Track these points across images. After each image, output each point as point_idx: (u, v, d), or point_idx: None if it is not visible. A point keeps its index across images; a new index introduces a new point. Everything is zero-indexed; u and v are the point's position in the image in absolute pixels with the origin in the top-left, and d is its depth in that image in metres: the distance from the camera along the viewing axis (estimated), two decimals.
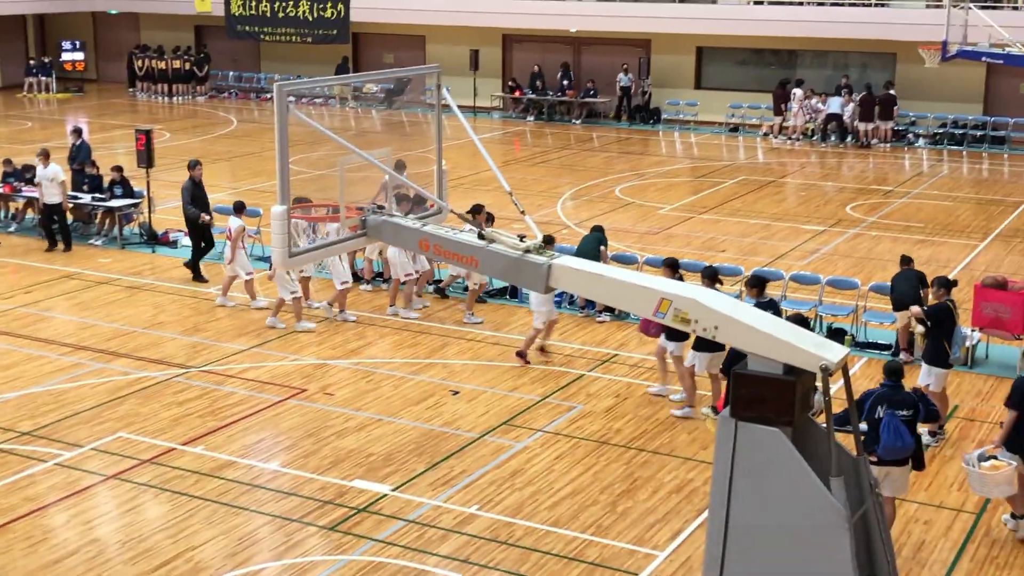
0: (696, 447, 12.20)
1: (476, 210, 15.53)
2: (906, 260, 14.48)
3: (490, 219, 15.46)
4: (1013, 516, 10.49)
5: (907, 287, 14.05)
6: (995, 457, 10.07)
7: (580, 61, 36.73)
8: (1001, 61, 25.07)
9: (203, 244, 18.21)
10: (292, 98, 8.84)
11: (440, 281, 17.42)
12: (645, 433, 12.58)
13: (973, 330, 14.52)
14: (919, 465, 9.99)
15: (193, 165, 18.19)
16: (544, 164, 28.61)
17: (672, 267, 13.41)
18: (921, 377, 12.27)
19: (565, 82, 35.68)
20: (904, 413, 9.71)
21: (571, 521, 10.64)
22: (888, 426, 9.53)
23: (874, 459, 9.43)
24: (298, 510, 10.79)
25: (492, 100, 36.73)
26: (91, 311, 16.63)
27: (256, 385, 13.89)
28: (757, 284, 12.46)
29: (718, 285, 12.44)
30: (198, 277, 17.99)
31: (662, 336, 13.17)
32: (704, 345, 12.49)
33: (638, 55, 35.27)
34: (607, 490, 11.25)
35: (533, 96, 36.00)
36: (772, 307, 12.01)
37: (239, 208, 16.84)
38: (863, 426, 9.54)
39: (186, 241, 20.04)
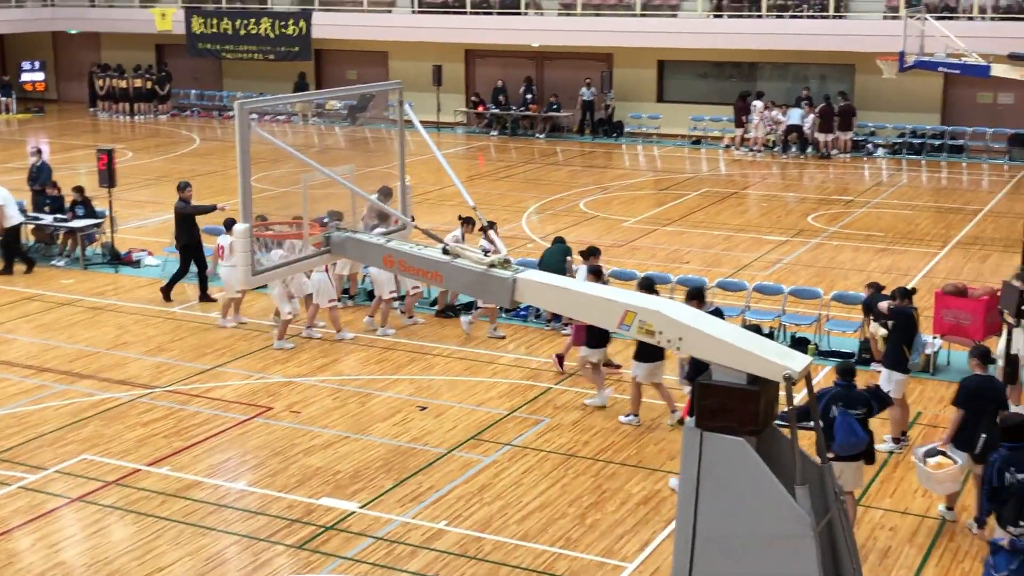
0: (663, 458, 12.26)
1: (489, 226, 15.70)
2: (877, 287, 14.50)
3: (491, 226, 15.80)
4: (949, 508, 10.93)
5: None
6: (943, 453, 10.48)
7: (543, 76, 36.87)
8: (958, 71, 25.43)
9: (197, 268, 17.96)
10: (255, 116, 8.82)
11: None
12: (612, 445, 12.62)
13: (935, 337, 14.68)
14: (870, 459, 10.42)
15: (184, 187, 17.96)
16: (508, 178, 28.68)
17: (596, 275, 13.70)
18: (881, 383, 12.38)
19: (528, 96, 35.81)
20: (857, 412, 10.14)
21: (540, 535, 10.65)
22: (842, 424, 9.91)
23: (831, 456, 9.69)
24: (265, 529, 10.74)
25: (456, 115, 36.78)
26: (53, 332, 16.49)
27: (222, 404, 13.82)
28: (697, 296, 12.50)
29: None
30: (167, 298, 17.80)
31: (584, 347, 13.47)
32: (643, 356, 12.76)
33: (600, 69, 35.45)
34: (575, 503, 11.28)
35: (496, 111, 36.10)
36: (717, 316, 12.15)
37: (230, 226, 16.69)
38: None
39: (151, 261, 19.93)
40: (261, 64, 38.94)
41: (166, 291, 17.91)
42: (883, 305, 13.15)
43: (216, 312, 16.97)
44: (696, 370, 10.98)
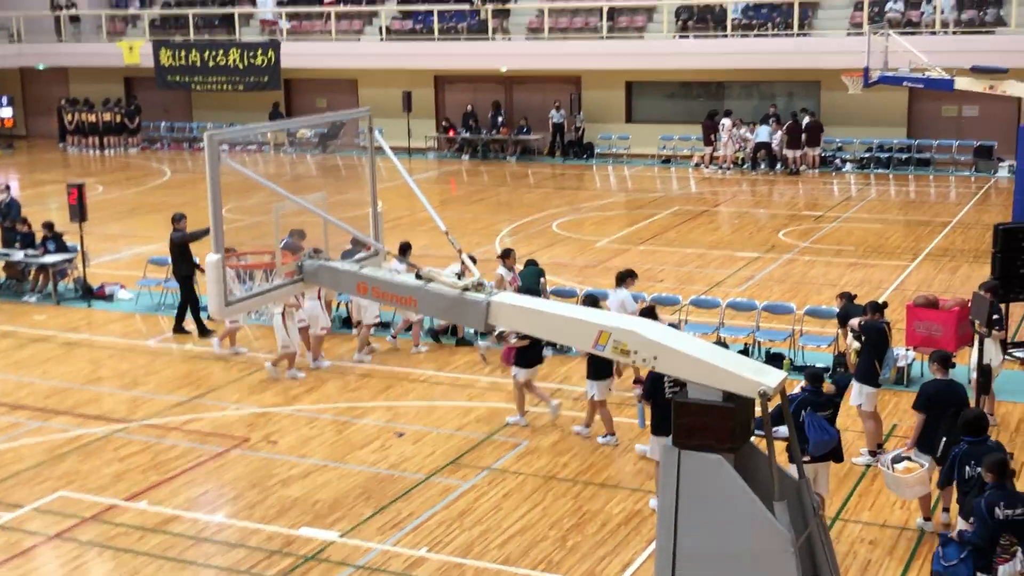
0: (642, 478, 12.27)
1: (506, 254, 16.24)
2: (850, 296, 14.61)
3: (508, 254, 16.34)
4: (927, 519, 11.03)
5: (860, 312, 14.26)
6: (909, 458, 10.64)
7: (512, 99, 37.03)
8: (922, 85, 25.67)
9: (180, 299, 17.74)
10: (226, 146, 8.82)
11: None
12: (592, 467, 12.63)
13: (907, 349, 14.78)
14: (839, 458, 10.79)
15: (179, 218, 17.84)
16: (481, 202, 28.74)
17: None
18: (853, 396, 12.49)
19: (498, 120, 35.95)
20: (824, 414, 10.55)
21: (521, 558, 10.64)
22: (811, 424, 10.31)
23: (807, 458, 10.06)
24: (246, 561, 10.68)
25: (426, 141, 36.87)
26: (27, 369, 16.37)
27: (198, 436, 13.75)
28: (648, 315, 12.55)
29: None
30: (204, 332, 17.48)
31: (514, 367, 13.64)
32: (596, 374, 12.95)
33: (569, 92, 35.65)
34: (556, 525, 11.27)
35: (467, 135, 36.20)
36: None
37: None
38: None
39: (124, 294, 19.82)
40: (231, 95, 38.91)
41: (201, 329, 17.52)
42: (854, 322, 13.27)
43: (191, 344, 16.88)
44: (652, 387, 11.10)
